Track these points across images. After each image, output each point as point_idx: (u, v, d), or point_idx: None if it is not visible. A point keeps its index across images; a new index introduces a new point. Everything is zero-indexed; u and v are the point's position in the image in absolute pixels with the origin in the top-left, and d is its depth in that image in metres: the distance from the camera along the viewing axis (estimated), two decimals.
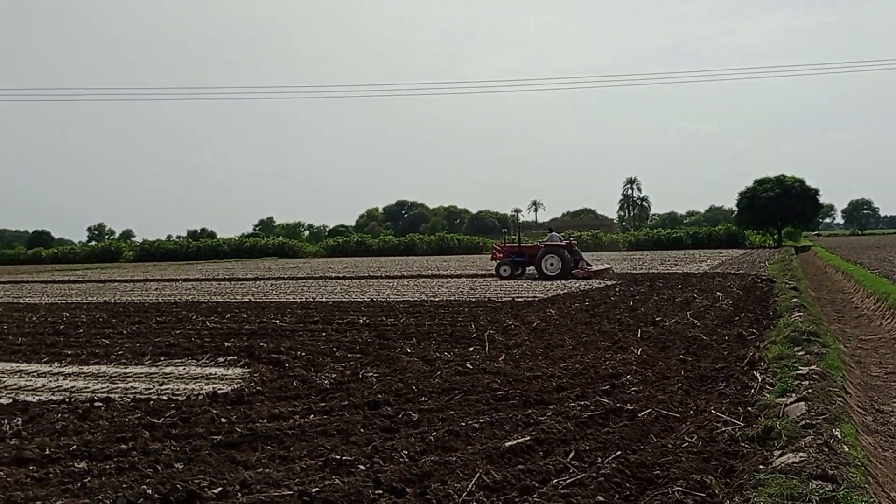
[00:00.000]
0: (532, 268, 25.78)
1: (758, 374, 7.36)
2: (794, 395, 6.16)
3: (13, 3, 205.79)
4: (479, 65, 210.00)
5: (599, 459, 4.90)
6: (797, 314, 11.46)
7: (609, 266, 27.94)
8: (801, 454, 4.58)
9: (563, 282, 23.00)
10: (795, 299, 13.85)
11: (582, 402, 6.44)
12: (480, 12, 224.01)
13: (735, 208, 69.33)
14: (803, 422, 5.31)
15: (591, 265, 25.66)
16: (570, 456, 4.93)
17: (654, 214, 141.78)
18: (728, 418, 5.82)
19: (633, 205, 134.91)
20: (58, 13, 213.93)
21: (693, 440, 5.32)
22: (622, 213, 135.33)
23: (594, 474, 4.54)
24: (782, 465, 4.49)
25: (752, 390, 6.78)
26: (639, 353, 8.97)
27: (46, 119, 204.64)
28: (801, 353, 8.01)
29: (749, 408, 6.16)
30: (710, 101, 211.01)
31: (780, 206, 61.85)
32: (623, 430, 5.56)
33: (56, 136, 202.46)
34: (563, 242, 25.69)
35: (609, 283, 21.81)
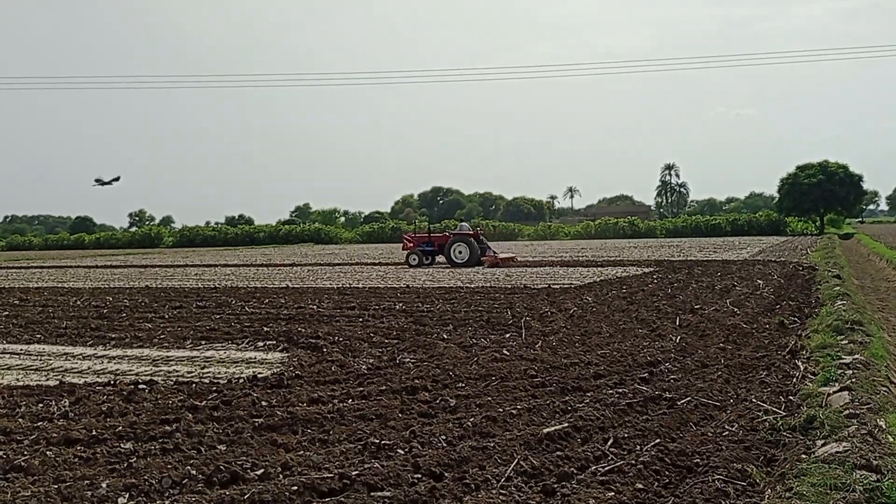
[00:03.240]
0: (442, 256, 26.81)
1: (799, 363, 7.27)
2: (837, 384, 6.06)
3: None
4: (517, 51, 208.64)
5: (638, 447, 4.89)
6: (840, 302, 11.26)
7: (513, 254, 29.05)
8: (844, 444, 4.52)
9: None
10: (838, 287, 13.60)
11: (620, 390, 6.42)
12: None
13: (776, 195, 68.20)
14: (847, 411, 5.23)
15: (497, 253, 26.64)
16: (609, 443, 4.93)
17: (692, 201, 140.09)
18: (769, 407, 5.75)
19: (672, 191, 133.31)
20: (100, 4, 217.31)
21: (733, 429, 5.27)
22: (660, 200, 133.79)
23: (633, 462, 4.53)
24: (825, 454, 4.43)
25: (794, 379, 6.69)
26: (677, 340, 8.90)
27: (89, 107, 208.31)
28: (844, 342, 7.88)
29: (791, 397, 6.09)
30: (751, 86, 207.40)
31: (822, 192, 60.63)
32: (662, 418, 5.53)
33: (98, 124, 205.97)
34: (472, 232, 26.70)
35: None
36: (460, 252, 25.80)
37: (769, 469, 4.49)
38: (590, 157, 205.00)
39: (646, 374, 7.02)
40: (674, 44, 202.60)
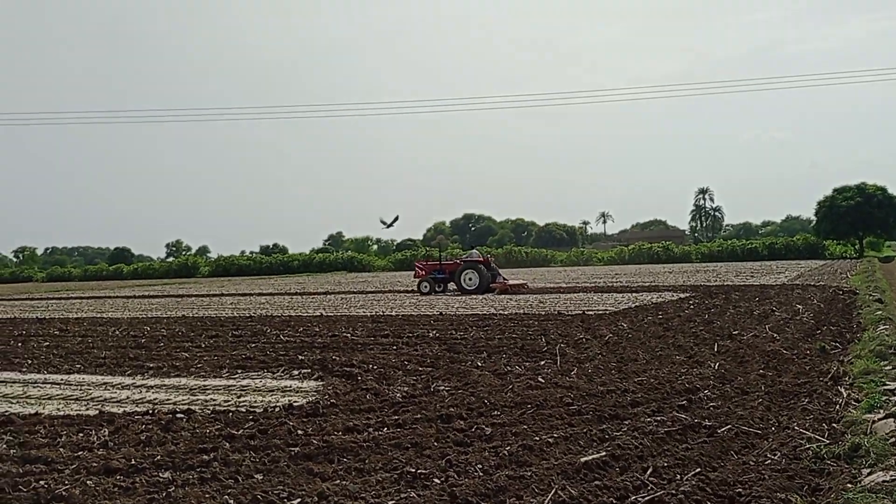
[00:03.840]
0: (453, 283, 26.90)
1: (842, 390, 7.11)
2: (882, 411, 5.92)
3: (102, 28, 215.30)
4: (548, 77, 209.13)
5: (678, 476, 4.81)
6: (883, 327, 11.02)
7: (524, 281, 28.98)
8: (891, 472, 4.41)
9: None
10: (880, 311, 13.32)
11: (658, 418, 6.33)
12: (546, 25, 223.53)
13: (813, 218, 67.23)
14: (893, 439, 5.11)
15: (507, 280, 26.92)
16: (648, 472, 4.85)
17: (727, 225, 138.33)
18: (812, 435, 5.63)
19: (706, 215, 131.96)
20: (141, 38, 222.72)
21: (776, 457, 5.16)
22: (694, 224, 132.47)
23: (673, 491, 4.46)
24: (871, 483, 4.32)
25: (837, 406, 6.55)
26: (716, 367, 8.76)
27: (126, 140, 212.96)
28: (888, 368, 7.70)
29: (834, 424, 5.95)
30: (786, 109, 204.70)
31: (860, 215, 59.66)
32: (702, 447, 5.44)
33: (136, 156, 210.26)
34: (481, 258, 26.94)
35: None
36: (470, 279, 25.96)
37: (813, 499, 4.38)
38: (622, 182, 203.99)
39: (684, 402, 6.91)
40: (706, 68, 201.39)
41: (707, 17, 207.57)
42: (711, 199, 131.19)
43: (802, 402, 6.79)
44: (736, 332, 11.81)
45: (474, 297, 24.57)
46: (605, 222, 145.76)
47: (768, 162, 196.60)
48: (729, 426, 5.97)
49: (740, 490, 4.53)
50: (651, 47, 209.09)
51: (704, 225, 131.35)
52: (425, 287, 26.96)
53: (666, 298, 20.53)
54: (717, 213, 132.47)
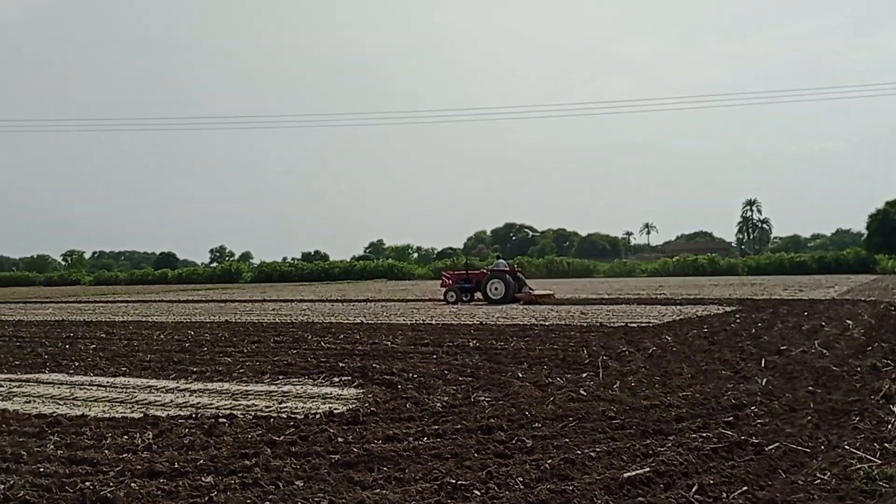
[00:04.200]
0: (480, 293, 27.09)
1: (894, 409, 6.89)
2: None
3: (152, 35, 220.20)
4: (592, 86, 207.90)
5: (724, 494, 4.69)
6: None
7: (551, 291, 28.79)
8: None
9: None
10: None
11: (704, 434, 6.19)
12: (591, 33, 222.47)
13: (864, 231, 65.81)
14: None
15: (533, 290, 26.85)
16: (693, 490, 4.74)
17: (775, 237, 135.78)
18: (863, 455, 5.45)
19: (753, 227, 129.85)
20: (188, 47, 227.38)
21: (826, 477, 5.01)
22: (741, 237, 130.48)
23: None
24: None
25: (889, 426, 6.33)
26: (763, 383, 8.56)
27: (171, 147, 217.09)
28: None
29: (886, 444, 5.75)
30: (836, 119, 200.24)
31: None
32: (749, 465, 5.30)
33: (182, 162, 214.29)
34: (507, 268, 27.02)
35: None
36: (496, 288, 26.05)
37: None
38: (667, 192, 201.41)
39: (730, 418, 6.76)
40: (754, 77, 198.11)
41: (755, 27, 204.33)
42: (759, 211, 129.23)
43: (853, 421, 6.59)
44: (784, 348, 11.54)
45: (514, 307, 24.48)
46: (649, 233, 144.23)
47: (818, 174, 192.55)
48: (777, 444, 5.81)
49: None
50: (697, 57, 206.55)
51: (752, 237, 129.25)
52: (451, 296, 27.07)
53: (711, 312, 20.19)
54: (764, 226, 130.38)
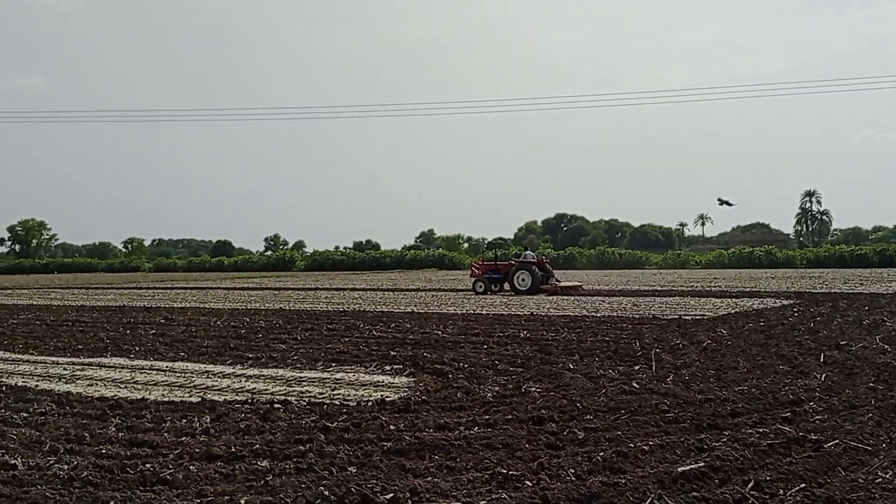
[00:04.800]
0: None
1: None
2: None
3: (209, 27, 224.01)
4: (649, 75, 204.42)
5: (781, 491, 4.60)
6: None
7: (578, 283, 29.21)
8: None
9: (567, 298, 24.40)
10: None
11: (760, 430, 6.08)
12: (648, 20, 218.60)
13: None
14: None
15: (559, 281, 27.45)
16: (749, 486, 4.66)
17: (835, 229, 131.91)
18: None
19: (812, 219, 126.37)
20: (246, 39, 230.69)
21: (888, 476, 4.88)
22: (799, 228, 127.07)
23: None
24: None
25: None
26: (822, 378, 8.36)
27: (229, 137, 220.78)
28: None
29: None
30: None
31: None
32: (807, 461, 5.19)
33: (234, 153, 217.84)
34: (535, 260, 27.34)
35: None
36: (523, 280, 26.34)
37: None
38: (723, 183, 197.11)
39: (788, 414, 6.62)
40: (815, 65, 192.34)
41: (816, 14, 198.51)
42: (818, 203, 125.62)
43: None
44: (844, 343, 11.24)
45: (566, 298, 24.34)
46: (703, 224, 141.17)
47: (881, 164, 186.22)
48: (836, 441, 5.67)
49: None
50: (757, 44, 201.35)
51: (810, 229, 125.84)
52: (480, 287, 27.37)
53: (768, 305, 19.76)
54: (824, 217, 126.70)
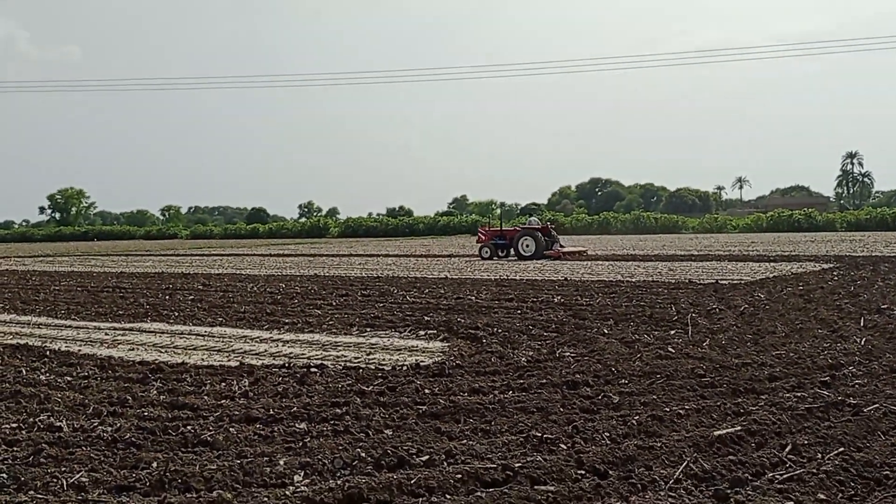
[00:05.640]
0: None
1: None
2: None
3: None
4: (687, 36, 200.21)
5: (819, 455, 4.56)
6: None
7: (583, 248, 29.89)
8: None
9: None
10: None
11: (798, 394, 6.02)
12: None
13: None
14: None
15: (563, 247, 27.68)
16: (787, 449, 4.62)
17: (877, 192, 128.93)
18: None
19: (854, 181, 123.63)
20: (286, 6, 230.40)
21: None
22: (840, 191, 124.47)
23: (814, 470, 4.23)
24: None
25: None
26: (862, 342, 8.23)
27: (262, 106, 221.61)
28: None
29: None
30: None
31: None
32: (846, 426, 5.12)
33: (268, 122, 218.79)
34: (540, 226, 27.82)
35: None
36: (527, 245, 26.73)
37: None
38: (762, 145, 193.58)
39: (826, 378, 6.53)
40: (857, 25, 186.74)
41: None
42: (860, 164, 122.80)
43: None
44: (885, 307, 11.04)
45: (600, 263, 24.22)
46: (741, 188, 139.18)
47: None
48: (876, 405, 5.59)
49: (888, 472, 4.24)
50: (797, 3, 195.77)
51: (851, 192, 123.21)
52: (486, 252, 27.89)
53: (807, 269, 19.46)
54: (866, 179, 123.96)
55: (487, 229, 29.45)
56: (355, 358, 8.35)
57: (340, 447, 4.85)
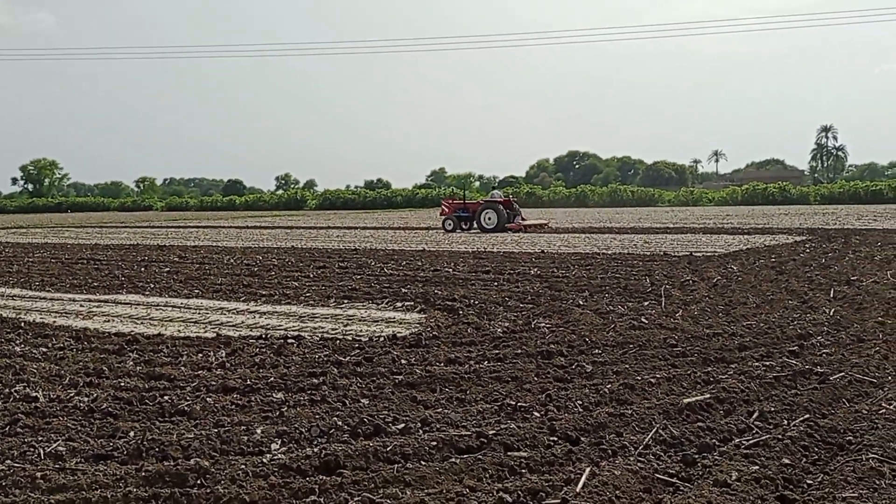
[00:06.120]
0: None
1: None
2: None
3: None
4: (666, 7, 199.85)
5: (786, 421, 4.68)
6: None
7: (545, 221, 30.27)
8: None
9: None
10: None
11: (767, 363, 6.15)
12: None
13: None
14: None
15: (525, 219, 28.19)
16: (754, 416, 4.75)
17: (850, 165, 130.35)
18: None
19: (828, 155, 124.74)
20: None
21: (892, 407, 4.94)
22: (814, 164, 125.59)
23: (780, 436, 4.35)
24: None
25: None
26: (831, 313, 8.40)
27: (239, 76, 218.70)
28: None
29: None
30: None
31: None
32: (812, 393, 5.27)
33: (246, 91, 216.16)
34: (502, 199, 28.10)
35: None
36: (489, 218, 27.22)
37: None
38: (738, 118, 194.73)
39: (795, 347, 6.68)
40: None
41: None
42: (835, 138, 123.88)
43: None
44: (854, 278, 11.25)
45: (577, 236, 24.36)
46: (717, 161, 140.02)
47: None
48: (842, 374, 5.74)
49: (851, 438, 4.38)
50: None
51: (826, 165, 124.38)
52: (449, 224, 28.41)
53: (780, 241, 19.72)
54: (840, 153, 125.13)
55: (451, 202, 29.82)
56: (332, 329, 8.38)
57: (317, 416, 4.91)
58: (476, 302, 9.87)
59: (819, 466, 4.04)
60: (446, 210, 29.24)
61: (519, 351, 6.81)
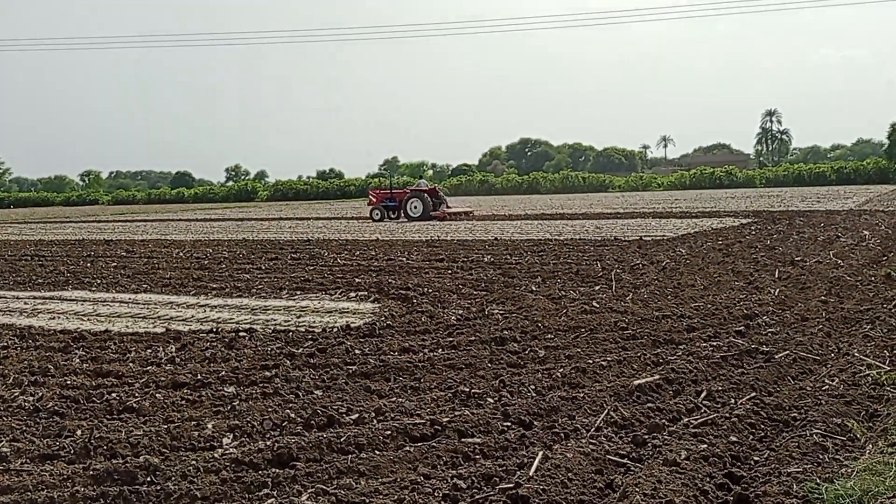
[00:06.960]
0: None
1: None
2: None
3: None
4: None
5: (733, 400, 4.79)
6: None
7: (469, 209, 30.79)
8: None
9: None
10: None
11: (714, 343, 6.29)
12: None
13: (886, 141, 64.53)
14: None
15: (449, 207, 28.93)
16: (702, 396, 4.85)
17: (794, 149, 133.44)
18: (872, 361, 5.53)
19: (773, 139, 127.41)
20: None
21: (834, 383, 5.09)
22: (760, 148, 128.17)
23: (727, 415, 4.45)
24: None
25: None
26: (776, 293, 8.61)
27: (186, 65, 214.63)
28: None
29: None
30: (860, 26, 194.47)
31: None
32: (758, 372, 5.40)
33: (195, 81, 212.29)
34: (427, 188, 28.84)
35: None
36: (415, 206, 27.84)
37: (870, 424, 4.32)
38: (685, 104, 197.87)
39: (741, 328, 6.84)
40: None
41: None
42: (779, 122, 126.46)
43: (864, 329, 6.66)
44: (798, 259, 11.55)
45: (530, 223, 24.52)
46: (666, 146, 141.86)
47: (840, 82, 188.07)
48: (787, 352, 5.89)
49: (795, 414, 4.50)
50: None
51: (770, 149, 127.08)
52: (377, 214, 28.66)
53: (727, 224, 20.14)
54: (784, 137, 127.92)
55: (378, 192, 30.01)
56: (285, 321, 8.31)
57: (270, 409, 4.86)
58: (430, 290, 9.88)
59: (765, 443, 4.15)
60: (374, 200, 29.43)
61: (473, 338, 6.83)
